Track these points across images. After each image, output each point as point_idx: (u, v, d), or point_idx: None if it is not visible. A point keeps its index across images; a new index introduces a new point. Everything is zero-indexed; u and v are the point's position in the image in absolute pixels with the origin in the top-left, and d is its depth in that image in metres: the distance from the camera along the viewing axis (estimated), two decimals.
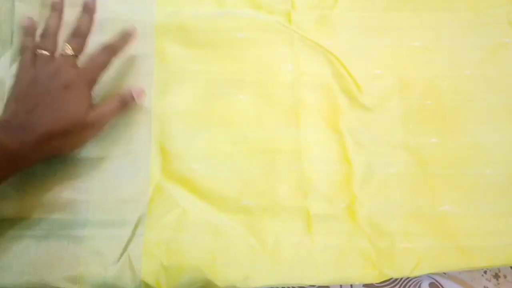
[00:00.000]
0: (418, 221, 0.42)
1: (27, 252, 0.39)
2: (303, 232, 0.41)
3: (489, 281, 0.44)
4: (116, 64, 0.44)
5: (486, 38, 0.48)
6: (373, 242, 0.41)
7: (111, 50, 0.42)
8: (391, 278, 0.41)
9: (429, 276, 0.44)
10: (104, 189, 0.41)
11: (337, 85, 0.45)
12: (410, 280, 0.44)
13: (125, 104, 0.42)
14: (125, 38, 0.43)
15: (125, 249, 0.39)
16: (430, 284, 0.44)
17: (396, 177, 0.43)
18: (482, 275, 0.45)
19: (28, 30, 0.43)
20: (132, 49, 0.45)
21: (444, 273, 0.44)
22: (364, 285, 0.43)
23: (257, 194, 0.42)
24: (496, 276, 0.45)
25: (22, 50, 0.42)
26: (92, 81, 0.40)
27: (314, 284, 0.40)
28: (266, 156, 0.43)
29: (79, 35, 0.42)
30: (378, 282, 0.41)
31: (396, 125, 0.44)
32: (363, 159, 0.43)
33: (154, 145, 0.43)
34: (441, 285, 0.44)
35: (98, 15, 0.45)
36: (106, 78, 0.43)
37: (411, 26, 0.48)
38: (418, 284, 0.44)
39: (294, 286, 0.40)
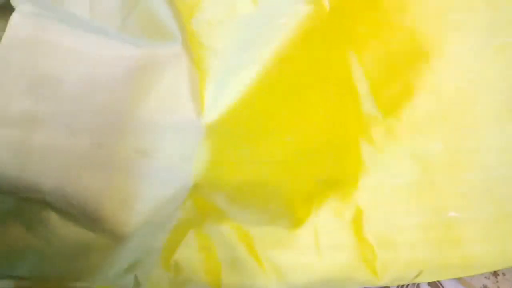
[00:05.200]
0: (423, 230, 0.41)
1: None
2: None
3: (488, 279, 0.45)
4: None
5: (487, 38, 0.46)
6: (377, 252, 0.41)
7: None
8: None
9: None
10: None
11: None
12: None
13: None
14: None
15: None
16: (429, 283, 0.44)
17: (402, 187, 0.42)
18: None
19: None
20: None
21: None
22: None
23: None
24: (495, 274, 0.45)
25: None
26: None
27: None
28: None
29: None
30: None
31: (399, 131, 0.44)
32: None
33: None
34: (440, 284, 0.44)
35: None
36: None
37: None
38: (417, 283, 0.44)
39: None
